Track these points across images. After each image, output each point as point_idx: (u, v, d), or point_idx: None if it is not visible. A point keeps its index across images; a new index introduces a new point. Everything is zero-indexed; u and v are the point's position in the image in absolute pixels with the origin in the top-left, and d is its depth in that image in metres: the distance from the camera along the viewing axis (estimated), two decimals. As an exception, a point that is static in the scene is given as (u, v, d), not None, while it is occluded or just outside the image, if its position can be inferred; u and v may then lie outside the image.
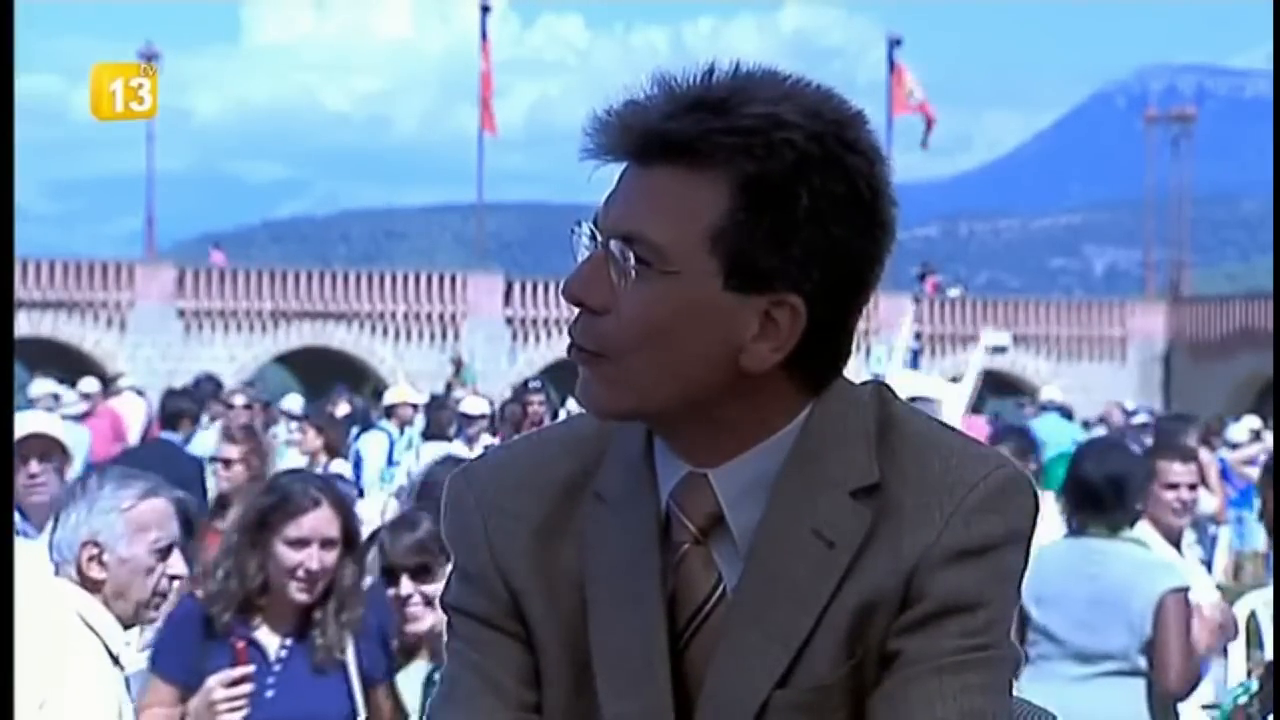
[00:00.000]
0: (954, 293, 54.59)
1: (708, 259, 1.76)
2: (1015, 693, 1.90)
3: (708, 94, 1.76)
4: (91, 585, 4.10)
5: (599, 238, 1.80)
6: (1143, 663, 5.74)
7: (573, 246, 1.82)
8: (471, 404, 14.71)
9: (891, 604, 1.79)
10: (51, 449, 5.83)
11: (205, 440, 13.16)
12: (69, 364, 40.52)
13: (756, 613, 1.81)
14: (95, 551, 4.09)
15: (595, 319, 1.79)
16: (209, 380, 18.96)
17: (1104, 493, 5.86)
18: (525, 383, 16.96)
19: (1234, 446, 19.65)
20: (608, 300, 1.78)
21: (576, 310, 1.81)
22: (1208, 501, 14.73)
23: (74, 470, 6.13)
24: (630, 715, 1.84)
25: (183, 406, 11.99)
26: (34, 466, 5.75)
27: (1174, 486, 6.50)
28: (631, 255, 1.76)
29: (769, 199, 1.75)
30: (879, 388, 1.89)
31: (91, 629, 4.05)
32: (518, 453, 1.96)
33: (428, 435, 13.93)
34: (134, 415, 17.90)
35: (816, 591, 1.80)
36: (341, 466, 11.88)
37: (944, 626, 1.78)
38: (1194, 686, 5.92)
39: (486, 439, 13.98)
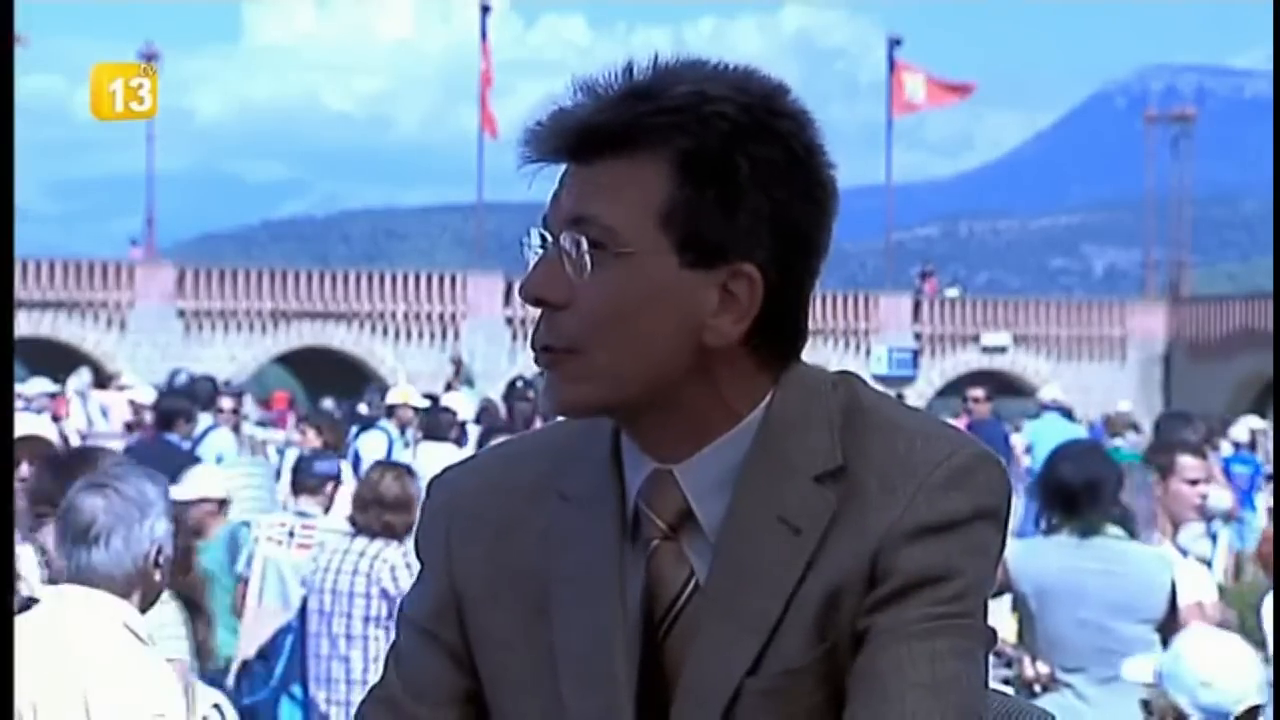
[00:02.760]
0: (952, 293, 54.58)
1: (660, 238, 1.78)
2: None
3: (632, 87, 1.80)
4: (150, 588, 4.14)
5: (548, 237, 1.82)
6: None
7: (523, 255, 1.84)
8: (456, 401, 14.70)
9: (858, 585, 1.79)
10: (44, 452, 5.65)
11: (217, 442, 13.18)
12: (69, 364, 40.48)
13: (726, 603, 1.82)
14: (157, 554, 4.13)
15: (556, 316, 1.81)
16: (206, 381, 18.94)
17: (1080, 495, 5.90)
18: (514, 382, 16.93)
19: (1236, 446, 19.65)
20: (566, 294, 1.80)
21: (537, 314, 1.82)
22: (1224, 499, 14.72)
23: None
24: (591, 712, 1.84)
25: (178, 407, 11.97)
26: (24, 470, 5.53)
27: (1194, 482, 6.52)
28: (584, 240, 1.78)
29: (709, 171, 1.78)
30: (845, 374, 1.90)
31: (139, 638, 4.07)
32: (491, 458, 2.00)
33: (427, 436, 13.94)
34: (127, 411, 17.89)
35: (784, 578, 1.80)
36: (342, 466, 11.88)
37: (912, 599, 1.78)
38: None
39: (474, 431, 14.01)
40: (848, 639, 1.80)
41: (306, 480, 9.27)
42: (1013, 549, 6.07)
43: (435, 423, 14.19)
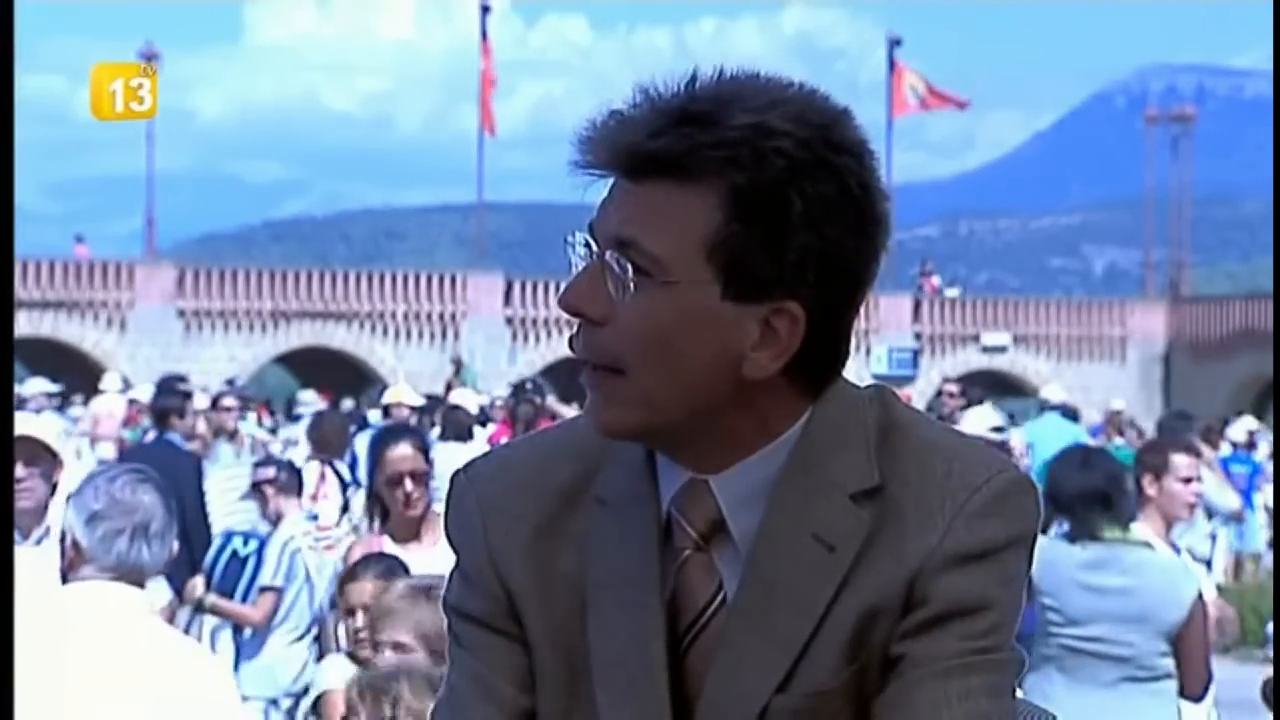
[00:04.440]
0: (952, 293, 54.53)
1: (704, 269, 1.76)
2: (1045, 696, 1.90)
3: (692, 106, 1.76)
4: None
5: (594, 247, 1.80)
6: (1170, 665, 5.76)
7: (568, 256, 1.82)
8: (464, 399, 14.68)
9: (893, 608, 1.79)
10: (39, 453, 5.56)
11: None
12: (69, 364, 40.49)
13: (756, 618, 1.80)
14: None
15: (595, 330, 1.79)
16: (177, 380, 18.91)
17: (1093, 502, 5.85)
18: (523, 383, 16.95)
19: (1234, 446, 19.67)
20: (606, 311, 1.78)
21: (576, 322, 1.81)
22: (1230, 499, 14.74)
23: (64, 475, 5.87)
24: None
25: (171, 405, 11.98)
26: (19, 471, 5.43)
27: (1188, 481, 6.51)
28: (629, 266, 1.76)
29: (761, 208, 1.75)
30: (881, 390, 1.88)
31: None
32: (520, 454, 1.96)
33: (444, 436, 13.90)
34: (116, 415, 17.83)
35: (816, 596, 1.79)
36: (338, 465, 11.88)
37: (948, 630, 1.78)
38: (1208, 687, 5.95)
39: (479, 431, 13.99)
40: (879, 661, 1.80)
41: (290, 483, 9.28)
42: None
43: (453, 421, 14.14)
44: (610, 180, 1.80)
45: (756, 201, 1.75)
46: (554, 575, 1.87)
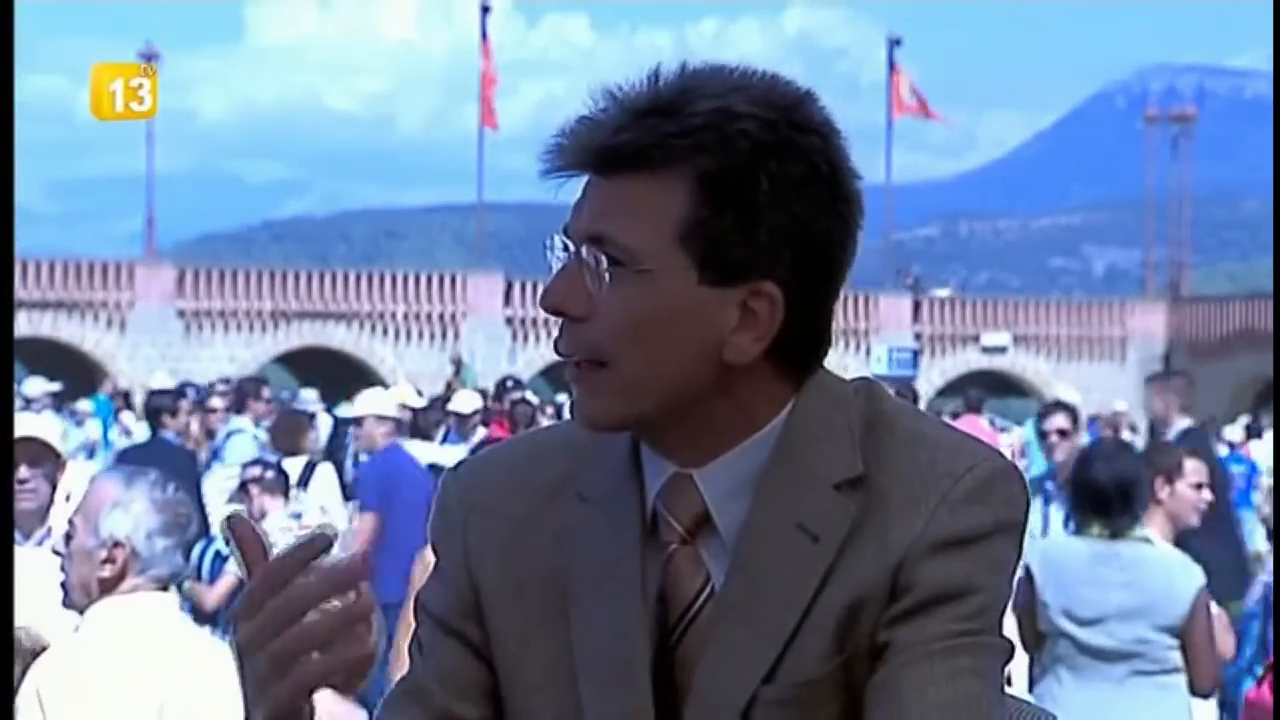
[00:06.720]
0: (942, 293, 54.48)
1: (679, 256, 1.78)
2: (1055, 695, 1.90)
3: (657, 99, 1.78)
4: None
5: (570, 247, 1.82)
6: (1179, 659, 5.78)
7: (547, 260, 1.84)
8: (464, 401, 14.69)
9: (879, 597, 1.79)
10: (43, 454, 5.54)
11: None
12: (69, 364, 40.50)
13: (743, 609, 1.81)
14: None
15: (577, 327, 1.81)
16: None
17: (1112, 495, 5.86)
18: (504, 381, 16.91)
19: (1231, 446, 19.69)
20: (586, 307, 1.80)
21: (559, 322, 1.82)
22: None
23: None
24: (611, 715, 1.84)
25: (162, 405, 12.00)
26: (23, 471, 5.44)
27: (1200, 486, 6.53)
28: (604, 258, 1.78)
29: (730, 191, 1.77)
30: (868, 383, 1.89)
31: None
32: (508, 453, 1.98)
33: (413, 435, 13.89)
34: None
35: (802, 586, 1.80)
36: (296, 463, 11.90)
37: (933, 615, 1.78)
38: (1217, 684, 5.97)
39: (482, 432, 13.98)
40: (865, 650, 1.80)
41: (276, 482, 9.39)
42: (1033, 550, 6.02)
43: (424, 421, 14.17)
44: (584, 180, 1.82)
45: (725, 185, 1.77)
46: (534, 571, 1.88)
